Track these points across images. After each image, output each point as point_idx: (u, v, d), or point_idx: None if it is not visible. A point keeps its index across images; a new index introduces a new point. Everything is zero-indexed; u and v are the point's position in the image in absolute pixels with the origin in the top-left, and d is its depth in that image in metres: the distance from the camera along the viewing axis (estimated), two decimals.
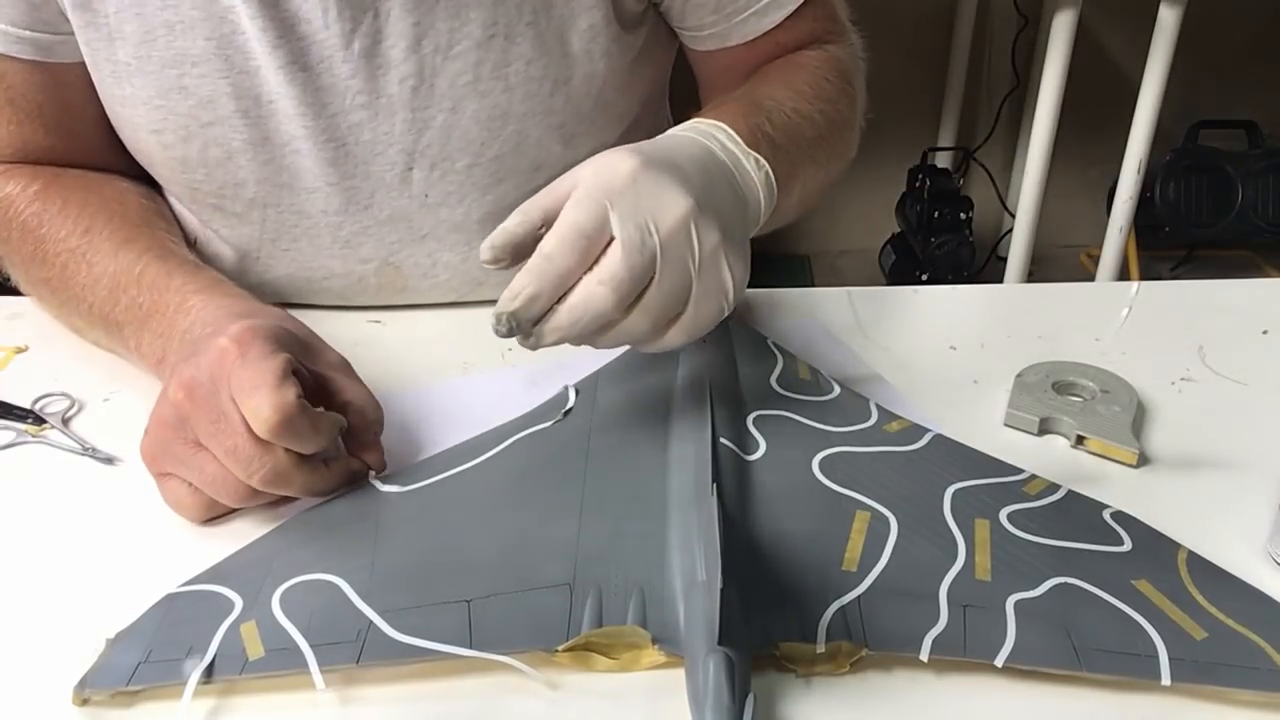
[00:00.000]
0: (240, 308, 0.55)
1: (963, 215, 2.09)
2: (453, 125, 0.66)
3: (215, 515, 0.50)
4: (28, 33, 0.64)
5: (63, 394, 0.61)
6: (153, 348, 0.57)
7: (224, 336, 0.49)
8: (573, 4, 0.65)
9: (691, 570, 0.43)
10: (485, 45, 0.64)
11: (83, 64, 0.65)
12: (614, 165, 0.47)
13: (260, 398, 0.46)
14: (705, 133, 0.55)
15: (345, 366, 0.54)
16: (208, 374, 0.48)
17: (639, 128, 0.77)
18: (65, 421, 0.59)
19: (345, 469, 0.51)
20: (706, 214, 0.48)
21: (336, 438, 0.50)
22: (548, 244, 0.46)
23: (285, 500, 0.51)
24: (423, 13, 0.63)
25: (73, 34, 0.64)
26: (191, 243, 0.72)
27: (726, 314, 0.49)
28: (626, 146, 0.49)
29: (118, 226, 0.63)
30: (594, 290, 0.46)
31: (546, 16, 0.65)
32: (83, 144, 0.69)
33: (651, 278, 0.47)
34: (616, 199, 0.46)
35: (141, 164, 0.70)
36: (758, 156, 0.56)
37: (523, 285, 0.46)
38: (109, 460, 0.55)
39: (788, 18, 0.68)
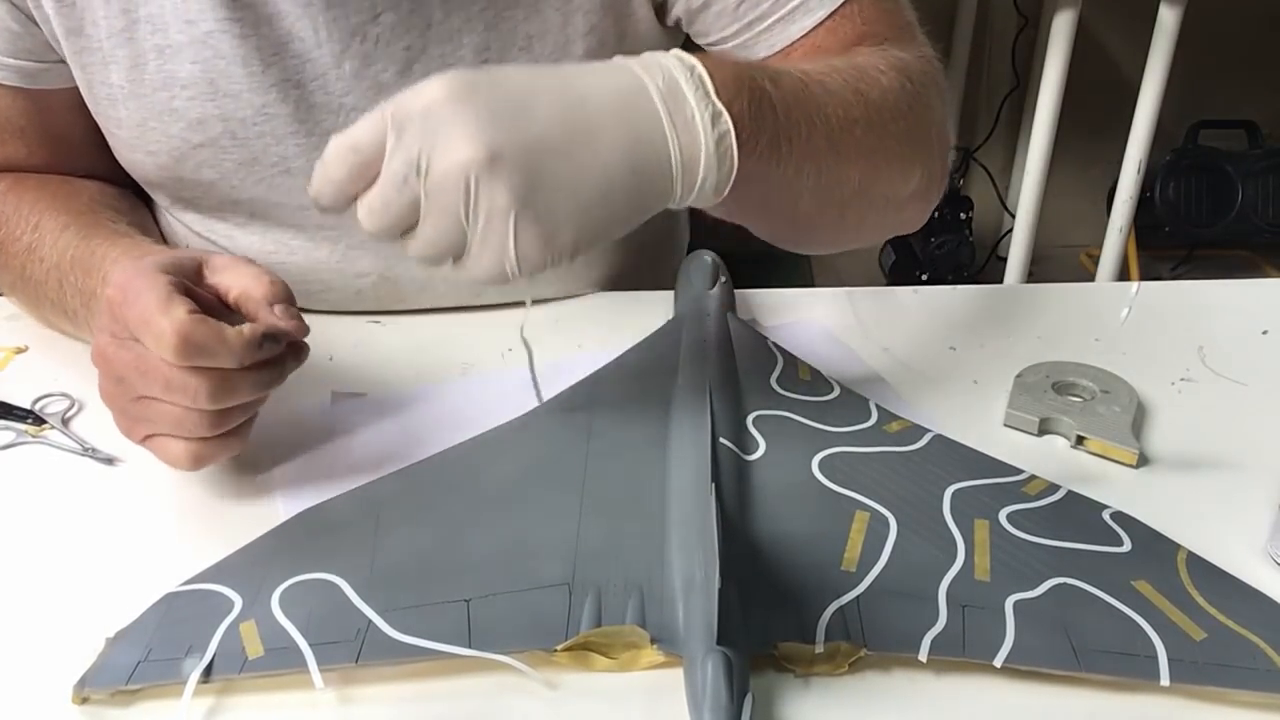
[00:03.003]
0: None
1: (963, 215, 2.09)
2: None
3: (209, 459, 0.50)
4: (11, 60, 0.64)
5: (63, 394, 0.61)
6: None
7: (108, 288, 0.48)
8: (569, 30, 0.64)
9: (690, 570, 0.43)
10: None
11: (67, 90, 0.66)
12: (422, 90, 0.42)
13: (152, 328, 0.45)
14: (661, 67, 0.46)
15: (233, 261, 0.51)
16: (107, 333, 0.48)
17: None
18: (65, 421, 0.59)
19: (281, 357, 0.49)
20: (504, 168, 0.41)
21: (258, 334, 0.47)
22: (327, 150, 0.44)
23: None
24: (414, 37, 0.62)
25: (57, 63, 0.65)
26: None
27: (513, 277, 0.43)
28: (473, 70, 0.43)
29: (59, 216, 0.63)
30: (360, 211, 0.44)
31: (541, 42, 0.64)
32: (68, 163, 0.69)
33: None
34: (401, 125, 0.42)
35: (140, 183, 0.71)
36: (720, 110, 0.46)
37: (316, 175, 0.44)
38: (109, 460, 0.55)
39: (827, 24, 0.61)
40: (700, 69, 0.46)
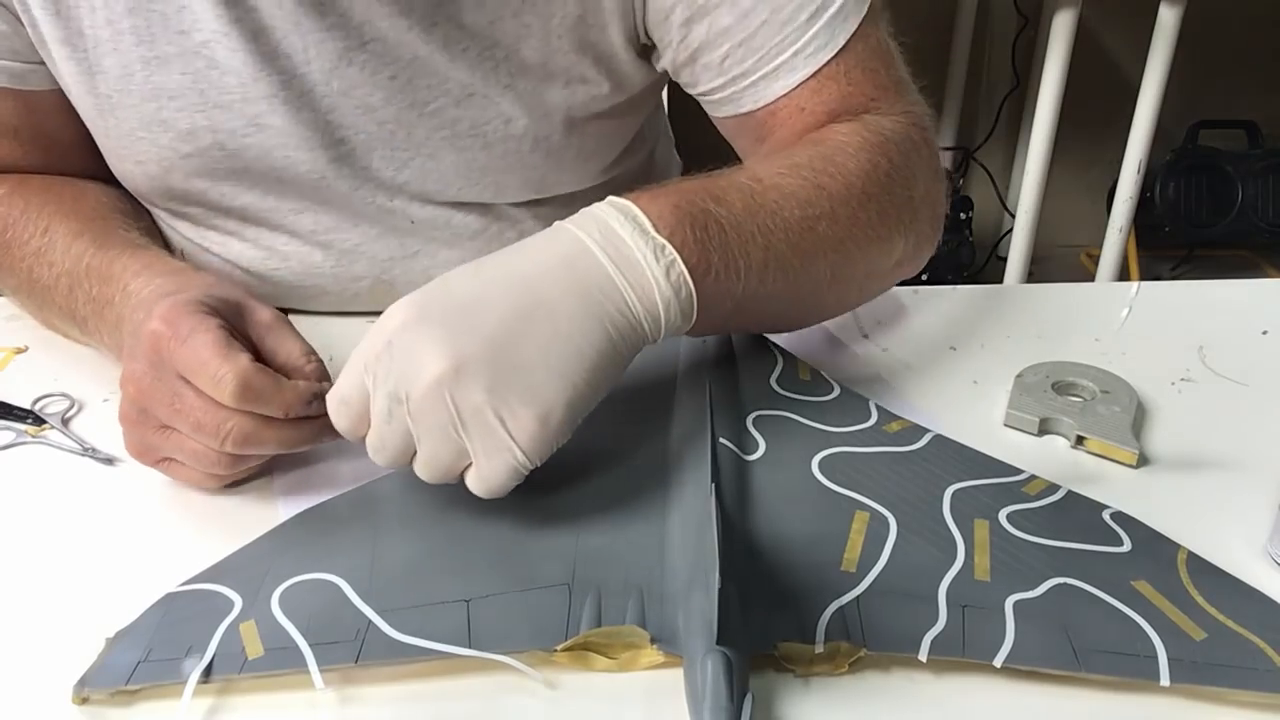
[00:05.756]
0: (171, 285, 0.53)
1: (963, 215, 2.09)
2: (430, 170, 0.66)
3: (231, 480, 0.52)
4: (1, 61, 0.64)
5: (63, 394, 0.61)
6: (113, 340, 0.57)
7: (151, 321, 0.48)
8: (550, 67, 0.64)
9: (690, 570, 0.43)
10: (463, 104, 0.64)
11: (58, 91, 0.66)
12: (381, 326, 0.45)
13: (211, 370, 0.46)
14: (596, 219, 0.48)
15: (277, 323, 0.52)
16: (146, 362, 0.49)
17: (625, 159, 0.76)
18: (65, 422, 0.59)
19: (320, 424, 0.50)
20: (471, 372, 0.43)
21: (311, 391, 0.49)
22: (328, 405, 0.47)
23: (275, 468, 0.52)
24: (398, 68, 0.62)
25: (44, 63, 0.64)
26: (179, 257, 0.72)
27: (526, 467, 0.44)
28: (422, 290, 0.45)
29: (70, 222, 0.63)
30: (369, 452, 0.46)
31: (524, 79, 0.64)
32: (63, 164, 0.69)
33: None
34: (373, 367, 0.44)
35: (130, 191, 0.70)
36: (661, 243, 0.47)
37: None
38: (109, 460, 0.55)
39: (810, 83, 0.61)
40: (635, 210, 0.48)
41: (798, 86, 0.61)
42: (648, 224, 0.48)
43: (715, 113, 0.67)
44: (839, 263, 0.56)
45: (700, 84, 0.65)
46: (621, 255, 0.47)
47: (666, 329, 0.48)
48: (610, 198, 0.50)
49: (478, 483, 0.45)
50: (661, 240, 0.48)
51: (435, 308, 0.45)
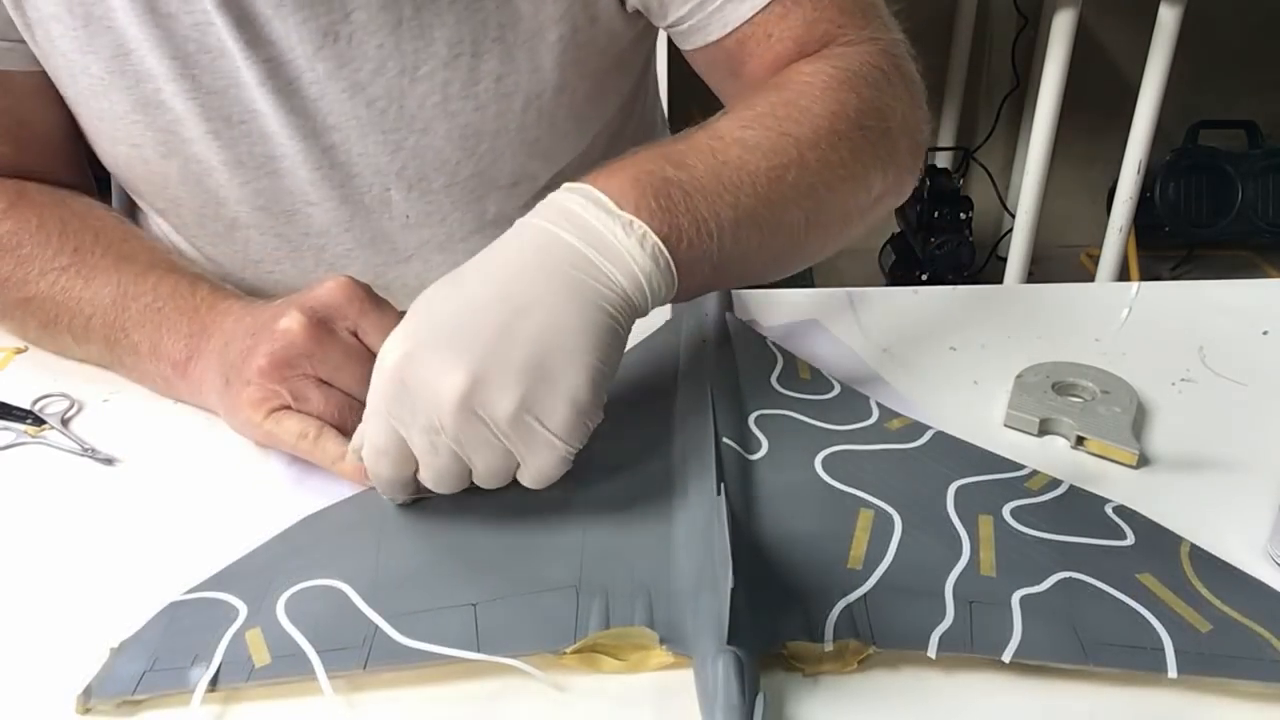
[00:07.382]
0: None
1: (963, 215, 2.09)
2: (425, 146, 0.66)
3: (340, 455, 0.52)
4: None
5: (62, 394, 0.61)
6: (174, 348, 0.57)
7: (331, 282, 0.52)
8: (540, 17, 0.64)
9: (698, 570, 0.43)
10: (452, 65, 0.64)
11: (36, 75, 0.64)
12: (381, 368, 0.44)
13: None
14: (558, 208, 0.48)
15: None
16: (321, 313, 0.52)
17: (621, 133, 0.75)
18: (65, 422, 0.59)
19: None
20: (492, 380, 0.43)
21: None
22: (366, 462, 0.47)
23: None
24: (385, 35, 0.62)
25: (22, 42, 0.63)
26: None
27: (572, 453, 0.45)
28: (409, 320, 0.46)
29: (109, 243, 0.63)
30: (430, 489, 0.47)
31: (514, 31, 0.64)
32: (32, 155, 0.68)
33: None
34: (395, 411, 0.44)
35: (122, 182, 0.70)
36: (628, 219, 0.47)
37: (377, 486, 0.48)
38: (108, 461, 0.55)
39: (774, 11, 0.61)
40: (594, 191, 0.48)
41: (764, 9, 0.61)
42: (609, 202, 0.47)
43: (686, 45, 0.67)
44: (814, 208, 0.56)
45: (670, 14, 0.65)
46: (595, 238, 0.47)
47: (654, 299, 0.48)
48: (565, 184, 0.49)
49: (531, 479, 0.46)
50: (627, 216, 0.47)
51: (429, 332, 0.44)
